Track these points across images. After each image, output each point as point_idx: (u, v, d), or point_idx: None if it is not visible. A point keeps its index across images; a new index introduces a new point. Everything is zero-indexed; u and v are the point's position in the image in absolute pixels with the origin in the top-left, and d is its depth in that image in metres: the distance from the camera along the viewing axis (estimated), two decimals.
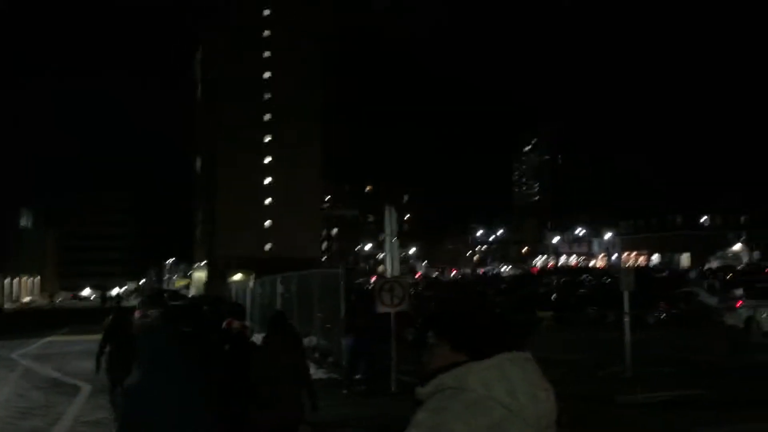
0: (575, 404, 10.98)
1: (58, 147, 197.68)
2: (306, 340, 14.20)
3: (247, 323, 8.11)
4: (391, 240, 11.94)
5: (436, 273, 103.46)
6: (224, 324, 7.04)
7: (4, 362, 20.08)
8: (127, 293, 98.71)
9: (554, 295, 30.19)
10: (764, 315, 18.27)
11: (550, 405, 1.92)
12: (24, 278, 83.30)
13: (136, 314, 12.74)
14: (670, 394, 11.02)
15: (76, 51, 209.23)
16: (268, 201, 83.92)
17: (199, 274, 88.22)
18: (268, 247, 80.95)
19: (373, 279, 50.94)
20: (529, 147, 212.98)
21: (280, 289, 22.14)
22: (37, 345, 26.13)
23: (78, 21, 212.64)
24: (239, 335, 6.84)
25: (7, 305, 67.60)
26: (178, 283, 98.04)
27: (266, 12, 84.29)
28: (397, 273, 12.05)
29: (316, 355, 15.83)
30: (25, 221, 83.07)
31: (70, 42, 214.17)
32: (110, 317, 10.26)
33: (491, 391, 1.82)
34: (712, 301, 26.09)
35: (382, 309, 11.56)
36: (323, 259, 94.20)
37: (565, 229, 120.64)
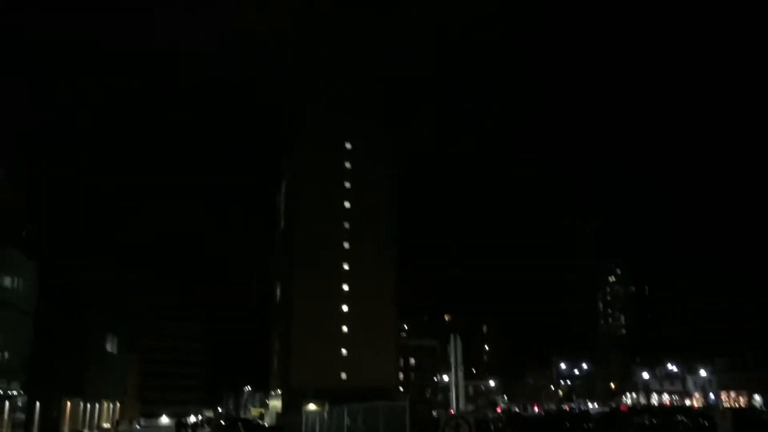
0: None
1: (144, 273, 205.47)
2: None
3: None
4: (455, 371, 11.14)
5: (518, 408, 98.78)
6: None
7: None
8: (204, 421, 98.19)
9: None
10: None
11: None
12: (105, 403, 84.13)
13: None
14: None
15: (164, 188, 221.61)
16: (345, 329, 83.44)
17: (275, 403, 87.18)
18: (344, 376, 79.63)
19: (452, 412, 48.84)
20: (614, 278, 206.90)
21: (346, 420, 21.24)
22: None
23: (161, 153, 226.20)
24: None
25: (85, 431, 67.97)
26: (254, 412, 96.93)
27: (348, 145, 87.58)
28: (462, 407, 11.14)
29: None
30: (110, 346, 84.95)
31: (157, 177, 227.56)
32: None
33: None
34: None
35: None
36: (400, 389, 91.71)
37: (655, 364, 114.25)
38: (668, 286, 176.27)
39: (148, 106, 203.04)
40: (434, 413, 56.24)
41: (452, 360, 11.45)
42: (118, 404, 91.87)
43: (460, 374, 11.52)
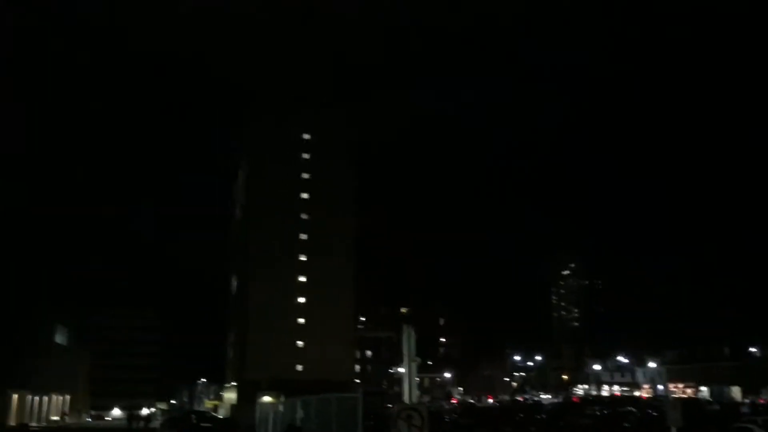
0: None
1: (95, 264, 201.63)
2: None
3: None
4: (409, 362, 11.06)
5: (473, 400, 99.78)
6: None
7: None
8: (156, 414, 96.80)
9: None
10: None
11: None
12: (54, 396, 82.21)
13: None
14: None
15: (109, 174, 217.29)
16: (301, 321, 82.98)
17: (229, 396, 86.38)
18: (299, 368, 79.22)
19: None
20: (567, 271, 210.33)
21: (299, 413, 21.06)
22: None
23: (115, 148, 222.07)
24: None
25: (33, 424, 66.32)
26: (208, 404, 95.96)
27: (306, 136, 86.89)
28: (415, 399, 11.06)
29: None
30: (60, 338, 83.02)
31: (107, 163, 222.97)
32: None
33: None
34: None
35: None
36: (357, 381, 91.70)
37: (606, 357, 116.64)
38: (620, 281, 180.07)
39: (97, 82, 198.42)
40: (389, 405, 56.29)
41: (405, 351, 11.37)
42: (68, 397, 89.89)
43: (414, 366, 11.45)
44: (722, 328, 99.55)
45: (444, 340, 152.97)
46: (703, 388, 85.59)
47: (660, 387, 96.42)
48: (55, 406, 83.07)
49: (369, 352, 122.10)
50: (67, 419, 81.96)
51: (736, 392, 78.61)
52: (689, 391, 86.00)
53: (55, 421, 78.02)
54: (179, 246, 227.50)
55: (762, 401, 57.84)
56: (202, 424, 40.83)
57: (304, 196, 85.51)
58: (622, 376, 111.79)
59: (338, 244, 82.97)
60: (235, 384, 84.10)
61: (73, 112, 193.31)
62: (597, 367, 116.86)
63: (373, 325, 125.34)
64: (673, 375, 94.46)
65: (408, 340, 11.22)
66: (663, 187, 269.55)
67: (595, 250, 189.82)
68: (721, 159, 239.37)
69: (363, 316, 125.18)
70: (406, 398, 11.07)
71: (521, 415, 41.09)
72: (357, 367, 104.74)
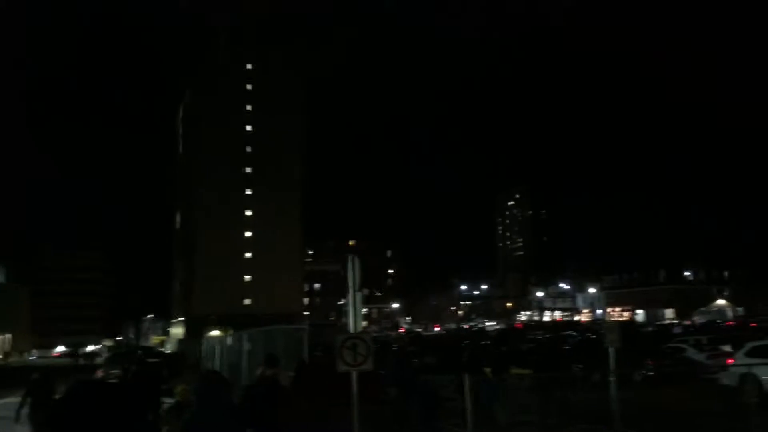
0: None
1: (35, 200, 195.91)
2: None
3: (278, 370, 9.13)
4: (353, 292, 10.93)
5: (420, 329, 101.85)
6: (258, 370, 8.81)
7: None
8: (102, 351, 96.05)
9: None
10: (760, 373, 17.24)
11: None
12: None
13: (99, 373, 14.97)
14: None
15: (60, 98, 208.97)
16: (248, 255, 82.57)
17: (176, 331, 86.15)
18: (247, 302, 79.28)
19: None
20: (512, 202, 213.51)
21: (246, 346, 20.88)
22: None
23: (68, 68, 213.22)
24: (273, 380, 8.46)
25: None
26: (155, 340, 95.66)
27: (249, 66, 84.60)
28: (359, 328, 10.99)
29: None
30: None
31: (55, 86, 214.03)
32: (35, 375, 12.68)
33: None
34: (700, 357, 25.09)
35: (343, 368, 10.43)
36: (305, 314, 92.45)
37: (548, 284, 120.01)
38: (563, 210, 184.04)
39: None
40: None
41: (349, 281, 11.21)
42: (9, 336, 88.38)
43: (358, 296, 11.32)
44: (659, 253, 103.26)
45: (392, 271, 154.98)
46: (639, 312, 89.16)
47: (599, 311, 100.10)
48: None
49: (317, 285, 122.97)
50: (9, 359, 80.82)
51: (670, 315, 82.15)
52: (626, 314, 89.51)
53: None
54: (123, 179, 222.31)
55: (692, 322, 60.62)
56: (149, 359, 40.46)
57: (249, 128, 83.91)
58: (564, 302, 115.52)
59: (285, 177, 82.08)
60: (182, 319, 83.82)
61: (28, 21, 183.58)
62: (540, 294, 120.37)
63: (321, 258, 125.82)
64: (611, 300, 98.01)
65: (352, 270, 11.07)
66: (605, 114, 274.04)
67: (538, 181, 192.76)
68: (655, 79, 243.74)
69: (311, 250, 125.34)
70: (351, 328, 10.99)
71: (466, 342, 42.04)
72: (306, 300, 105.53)
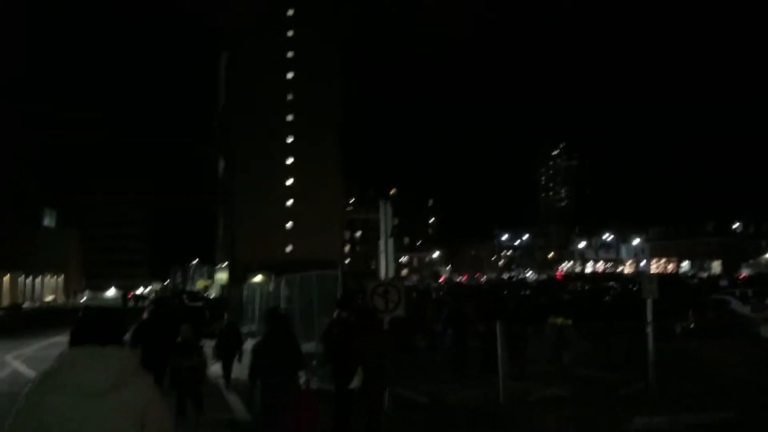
0: (589, 426, 9.76)
1: (82, 147, 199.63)
2: (308, 346, 13.07)
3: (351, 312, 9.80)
4: (386, 238, 10.81)
5: (460, 278, 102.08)
6: (335, 312, 9.82)
7: None
8: (151, 293, 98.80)
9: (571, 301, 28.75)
10: None
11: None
12: (47, 277, 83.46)
13: (145, 314, 15.85)
14: (696, 417, 9.72)
15: (100, 50, 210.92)
16: (289, 203, 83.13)
17: (220, 276, 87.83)
18: (289, 249, 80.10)
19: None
20: (557, 152, 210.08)
21: (284, 291, 21.11)
22: (38, 346, 25.40)
23: (109, 17, 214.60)
24: (346, 320, 9.39)
25: (26, 304, 67.58)
26: (200, 284, 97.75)
27: (290, 12, 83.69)
28: (392, 274, 10.91)
29: (314, 362, 14.59)
30: (48, 221, 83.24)
31: (94, 40, 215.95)
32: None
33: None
34: (745, 310, 24.43)
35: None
36: (346, 262, 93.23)
37: (592, 234, 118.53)
38: (608, 160, 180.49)
39: None
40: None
41: (382, 227, 11.08)
42: (61, 278, 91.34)
43: (391, 242, 11.21)
44: (707, 204, 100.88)
45: (432, 220, 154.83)
46: (685, 264, 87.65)
47: (643, 263, 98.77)
48: (49, 286, 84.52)
49: (358, 234, 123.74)
50: (60, 300, 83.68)
51: (716, 267, 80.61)
52: (671, 266, 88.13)
53: (48, 301, 79.62)
54: (165, 128, 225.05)
55: (741, 276, 59.30)
56: (193, 303, 41.48)
57: (290, 75, 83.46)
58: (607, 253, 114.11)
59: (326, 124, 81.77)
60: (226, 265, 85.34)
61: None
62: (583, 244, 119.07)
63: (361, 207, 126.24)
64: (656, 251, 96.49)
65: (385, 217, 10.94)
66: (653, 65, 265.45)
67: (584, 130, 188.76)
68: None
69: (352, 198, 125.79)
70: (382, 274, 10.92)
71: (505, 292, 41.90)
72: (346, 249, 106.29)
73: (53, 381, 2.81)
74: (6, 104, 61.48)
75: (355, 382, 8.19)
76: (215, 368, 13.95)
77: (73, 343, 3.04)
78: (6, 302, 60.75)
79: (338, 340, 9.06)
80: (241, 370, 15.00)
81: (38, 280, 78.26)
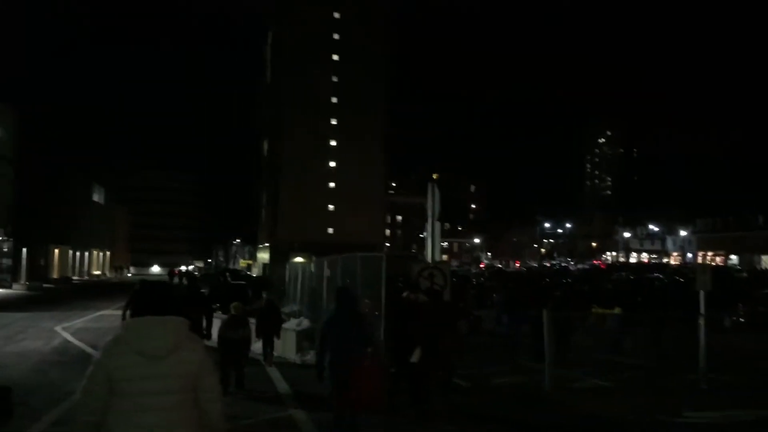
0: (636, 419, 9.55)
1: (128, 125, 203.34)
2: None
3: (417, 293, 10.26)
4: (432, 221, 10.71)
5: (500, 265, 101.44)
6: (404, 293, 10.27)
7: (46, 334, 19.85)
8: (195, 271, 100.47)
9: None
10: None
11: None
12: (95, 252, 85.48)
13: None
14: (750, 413, 9.45)
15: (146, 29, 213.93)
16: (332, 185, 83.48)
17: (263, 255, 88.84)
18: (330, 231, 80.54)
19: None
20: (603, 140, 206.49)
21: (326, 272, 21.14)
22: (86, 318, 26.04)
23: None
24: (413, 300, 9.90)
25: (75, 278, 69.37)
26: (242, 263, 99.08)
27: None
28: (438, 258, 10.81)
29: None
30: (97, 197, 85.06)
31: (141, 18, 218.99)
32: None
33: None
34: None
35: (421, 298, 10.31)
36: (387, 245, 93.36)
37: (637, 225, 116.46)
38: (656, 149, 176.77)
39: None
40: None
41: (428, 210, 10.98)
42: (108, 253, 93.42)
43: (437, 225, 11.11)
44: (757, 197, 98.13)
45: (474, 206, 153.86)
46: (733, 257, 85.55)
47: (689, 255, 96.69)
48: (96, 261, 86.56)
49: (399, 218, 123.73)
50: (108, 274, 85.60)
51: (767, 262, 78.49)
52: (719, 259, 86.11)
53: (96, 275, 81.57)
54: (210, 107, 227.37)
55: None
56: (235, 282, 42.08)
57: (335, 57, 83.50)
58: (652, 244, 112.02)
59: (370, 107, 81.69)
60: (268, 245, 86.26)
61: None
62: (627, 234, 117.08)
63: (404, 191, 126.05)
64: (703, 243, 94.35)
65: (432, 199, 10.83)
66: (703, 56, 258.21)
67: (631, 118, 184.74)
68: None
69: (394, 182, 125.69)
70: (428, 257, 10.84)
71: (547, 280, 41.45)
72: (387, 232, 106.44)
73: (120, 345, 3.31)
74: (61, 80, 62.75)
75: (415, 357, 8.74)
76: (256, 346, 14.27)
77: (135, 313, 3.55)
78: (56, 276, 62.45)
79: (407, 319, 9.33)
80: (282, 347, 15.21)
81: (86, 254, 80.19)
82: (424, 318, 8.99)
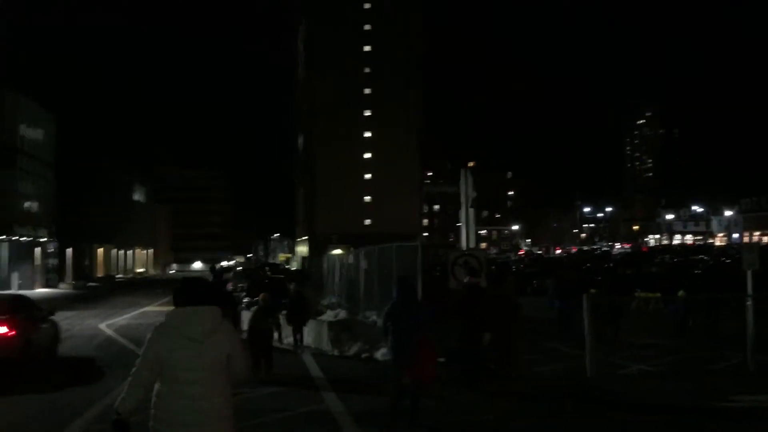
0: (681, 403, 9.26)
1: (164, 124, 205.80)
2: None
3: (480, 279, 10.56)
4: (466, 208, 10.52)
5: (540, 251, 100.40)
6: (465, 278, 10.27)
7: (90, 331, 20.18)
8: (236, 266, 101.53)
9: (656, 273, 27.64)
10: None
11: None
12: (138, 250, 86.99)
13: (229, 286, 19.93)
14: None
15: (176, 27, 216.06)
16: (368, 176, 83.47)
17: (301, 249, 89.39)
18: (367, 222, 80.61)
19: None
20: (643, 121, 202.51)
21: (363, 264, 21.05)
22: (129, 315, 26.41)
23: None
24: (477, 286, 10.06)
25: (119, 276, 70.70)
26: (281, 257, 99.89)
27: None
28: (472, 244, 10.63)
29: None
30: (138, 196, 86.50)
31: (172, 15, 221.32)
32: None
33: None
34: None
35: (455, 285, 10.18)
36: (424, 234, 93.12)
37: (679, 206, 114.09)
38: (697, 129, 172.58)
39: None
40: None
41: (462, 196, 10.80)
42: (151, 251, 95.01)
43: (471, 211, 10.92)
44: None
45: (512, 193, 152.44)
46: None
47: (735, 235, 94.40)
48: (139, 259, 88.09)
49: (436, 207, 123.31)
50: (152, 272, 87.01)
51: None
52: (766, 239, 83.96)
53: (140, 272, 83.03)
54: (243, 104, 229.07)
55: None
56: (275, 275, 42.38)
57: (367, 48, 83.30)
58: (696, 225, 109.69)
59: (404, 97, 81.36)
60: (306, 238, 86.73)
61: None
62: (670, 216, 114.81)
63: (440, 180, 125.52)
64: (750, 223, 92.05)
65: (465, 184, 10.65)
66: (740, 28, 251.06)
67: (672, 98, 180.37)
68: None
69: (430, 171, 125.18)
70: (463, 244, 10.67)
71: (588, 265, 40.81)
72: (425, 222, 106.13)
73: (168, 329, 4.08)
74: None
75: (485, 340, 9.33)
76: (287, 332, 14.95)
77: (178, 304, 4.27)
78: (100, 274, 63.75)
79: (470, 305, 9.70)
80: (316, 339, 15.35)
81: (129, 253, 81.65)
82: (490, 303, 9.57)
